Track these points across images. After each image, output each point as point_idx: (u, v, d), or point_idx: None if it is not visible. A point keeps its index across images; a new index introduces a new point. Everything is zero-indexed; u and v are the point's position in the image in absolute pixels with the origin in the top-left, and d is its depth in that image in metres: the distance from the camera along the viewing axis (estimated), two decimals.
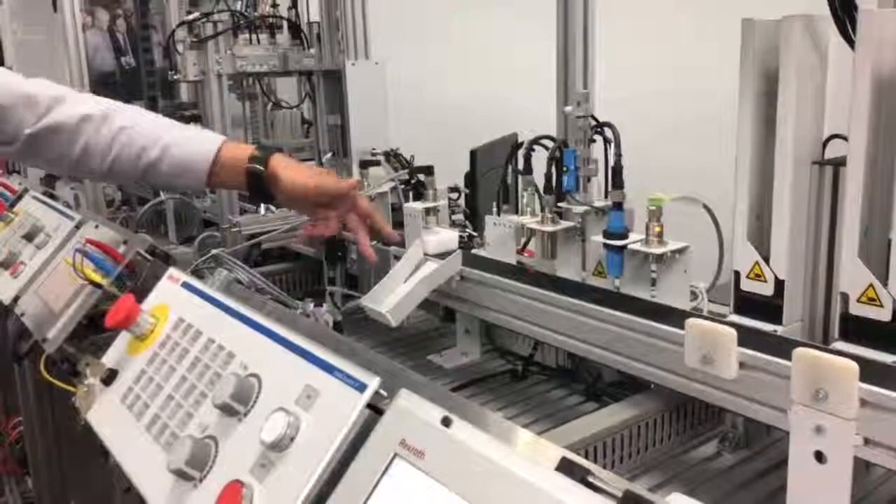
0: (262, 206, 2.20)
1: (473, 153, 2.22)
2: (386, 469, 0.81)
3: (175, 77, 2.40)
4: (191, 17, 2.21)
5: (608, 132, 1.45)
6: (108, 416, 1.22)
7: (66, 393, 1.52)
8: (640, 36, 2.35)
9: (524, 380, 1.64)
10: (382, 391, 0.89)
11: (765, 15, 1.22)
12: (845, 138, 1.14)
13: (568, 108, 1.49)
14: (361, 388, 0.89)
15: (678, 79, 2.26)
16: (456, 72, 3.26)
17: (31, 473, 2.68)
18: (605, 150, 1.45)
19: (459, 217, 2.07)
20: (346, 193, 1.47)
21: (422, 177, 2.05)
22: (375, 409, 0.89)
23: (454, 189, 2.12)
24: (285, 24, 2.43)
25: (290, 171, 1.41)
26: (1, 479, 3.19)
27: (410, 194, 2.13)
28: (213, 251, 1.77)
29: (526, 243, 1.66)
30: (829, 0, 1.08)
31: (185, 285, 1.31)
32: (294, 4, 2.50)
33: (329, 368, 0.94)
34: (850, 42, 1.09)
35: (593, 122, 1.48)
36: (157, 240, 1.86)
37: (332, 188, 1.45)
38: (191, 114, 3.37)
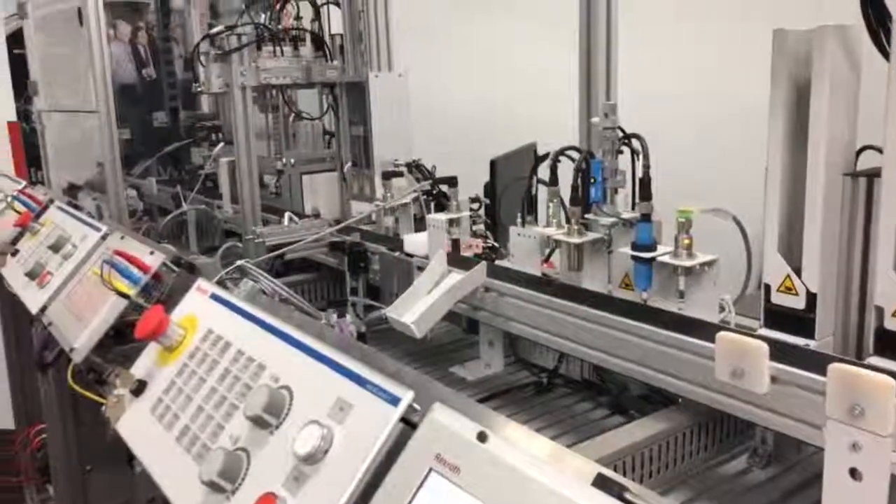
0: (286, 216, 2.21)
1: (493, 163, 2.22)
2: (421, 484, 0.81)
3: (199, 89, 2.42)
4: (215, 30, 2.23)
5: (636, 143, 1.44)
6: (138, 426, 1.23)
7: (89, 402, 1.52)
8: (663, 45, 2.35)
9: (549, 392, 1.63)
10: (415, 405, 0.89)
11: (787, 25, 1.21)
12: (878, 149, 1.13)
13: (595, 119, 1.49)
14: (395, 401, 0.89)
15: (705, 88, 2.26)
16: (466, 81, 3.27)
17: (52, 481, 2.69)
18: (633, 161, 1.45)
19: (480, 227, 2.07)
20: None
21: (444, 188, 2.05)
22: (408, 423, 0.88)
23: (475, 199, 2.12)
24: (308, 36, 2.44)
25: None
26: (22, 487, 3.21)
27: (432, 205, 2.13)
28: (238, 262, 1.77)
29: (549, 254, 1.65)
30: (863, 11, 1.07)
31: (214, 297, 1.32)
32: (317, 17, 2.52)
33: (361, 381, 0.94)
34: (885, 53, 1.08)
35: (620, 134, 1.48)
36: (178, 250, 1.87)
37: None
38: (211, 124, 3.40)
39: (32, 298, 1.93)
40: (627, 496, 0.74)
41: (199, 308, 1.32)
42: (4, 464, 3.30)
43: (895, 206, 1.08)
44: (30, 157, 4.12)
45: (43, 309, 1.88)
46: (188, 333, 1.27)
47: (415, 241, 1.90)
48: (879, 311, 1.11)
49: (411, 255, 1.87)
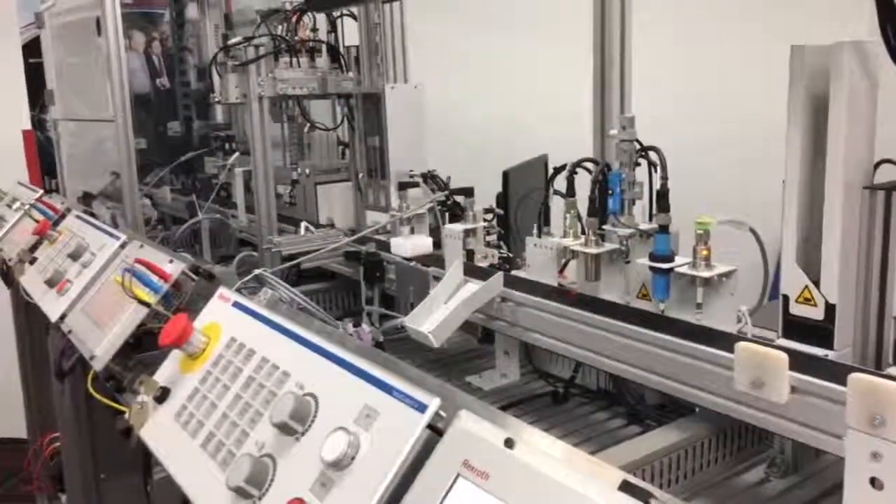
0: (302, 226, 2.23)
1: (506, 174, 2.24)
2: (449, 490, 0.82)
3: (216, 100, 2.45)
4: (234, 40, 2.25)
5: (653, 155, 1.45)
6: (162, 433, 1.24)
7: (105, 409, 1.54)
8: (678, 57, 2.37)
9: (566, 402, 1.64)
10: (441, 412, 0.90)
11: (807, 41, 1.23)
12: None
13: (613, 132, 1.51)
14: (422, 408, 0.90)
15: (722, 102, 2.27)
16: (480, 93, 3.30)
17: (66, 490, 2.70)
18: (650, 173, 1.46)
19: (493, 238, 2.08)
20: None
21: (459, 199, 2.07)
22: (434, 430, 0.90)
23: (489, 210, 2.13)
24: (324, 47, 2.47)
25: None
26: (34, 496, 3.22)
27: (447, 215, 2.15)
28: (256, 271, 1.79)
29: (565, 265, 1.66)
30: (881, 29, 1.08)
31: (236, 305, 1.33)
32: (333, 29, 2.54)
33: (388, 388, 0.95)
34: None
35: (637, 146, 1.49)
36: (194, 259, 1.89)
37: None
38: (225, 134, 3.43)
39: (52, 306, 1.95)
40: (654, 503, 0.76)
41: (221, 316, 1.33)
42: (17, 472, 3.32)
43: None
44: (43, 165, 4.17)
45: (62, 317, 1.89)
46: (211, 341, 1.29)
47: (401, 244, 2.01)
48: None
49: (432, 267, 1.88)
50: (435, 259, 1.94)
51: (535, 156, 2.36)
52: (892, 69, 1.14)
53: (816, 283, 1.22)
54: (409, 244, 1.99)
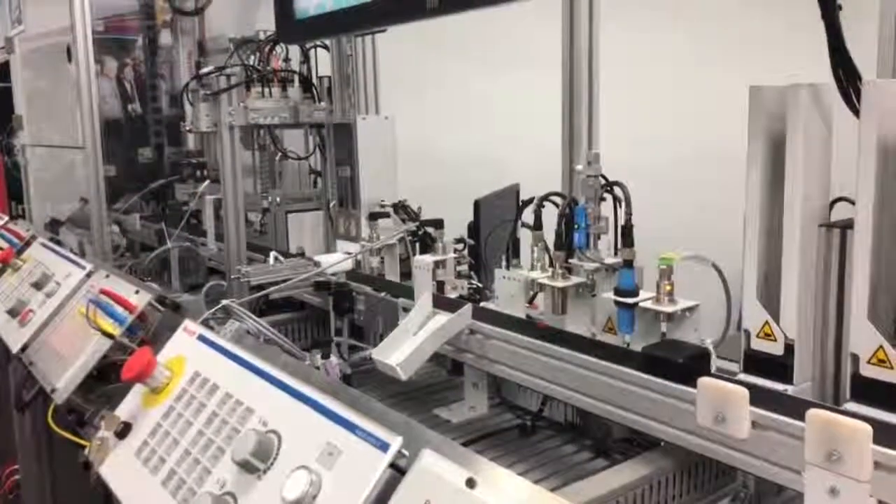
0: (272, 255, 2.23)
1: (477, 204, 2.26)
2: None
3: (188, 129, 2.45)
4: (205, 70, 2.26)
5: (618, 191, 1.48)
6: (122, 470, 1.22)
7: (65, 442, 1.50)
8: (645, 96, 2.41)
9: (533, 435, 1.64)
10: (404, 450, 0.90)
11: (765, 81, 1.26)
12: (850, 201, 1.17)
13: (579, 167, 1.53)
14: (384, 447, 0.90)
15: (686, 140, 2.31)
16: (447, 124, 3.32)
17: None
18: (615, 208, 1.48)
19: (464, 269, 2.09)
20: None
21: (430, 230, 2.08)
22: (397, 469, 0.89)
23: (460, 240, 2.14)
24: (297, 77, 2.48)
25: None
26: None
27: (417, 246, 2.16)
28: (223, 302, 1.78)
29: (533, 297, 1.67)
30: (834, 72, 1.12)
31: (202, 338, 1.32)
32: (305, 59, 2.56)
33: (350, 426, 0.95)
34: (855, 110, 1.13)
35: (603, 181, 1.52)
36: (161, 288, 1.87)
37: None
38: (196, 161, 3.42)
39: (13, 337, 1.92)
40: None
41: (186, 350, 1.32)
42: None
43: (868, 256, 1.12)
44: (10, 190, 4.11)
45: (24, 348, 1.86)
46: (175, 375, 1.27)
47: (329, 261, 2.10)
48: (855, 359, 1.14)
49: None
50: (405, 290, 1.94)
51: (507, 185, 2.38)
52: (846, 111, 1.18)
53: (776, 319, 1.24)
54: (334, 259, 2.13)
